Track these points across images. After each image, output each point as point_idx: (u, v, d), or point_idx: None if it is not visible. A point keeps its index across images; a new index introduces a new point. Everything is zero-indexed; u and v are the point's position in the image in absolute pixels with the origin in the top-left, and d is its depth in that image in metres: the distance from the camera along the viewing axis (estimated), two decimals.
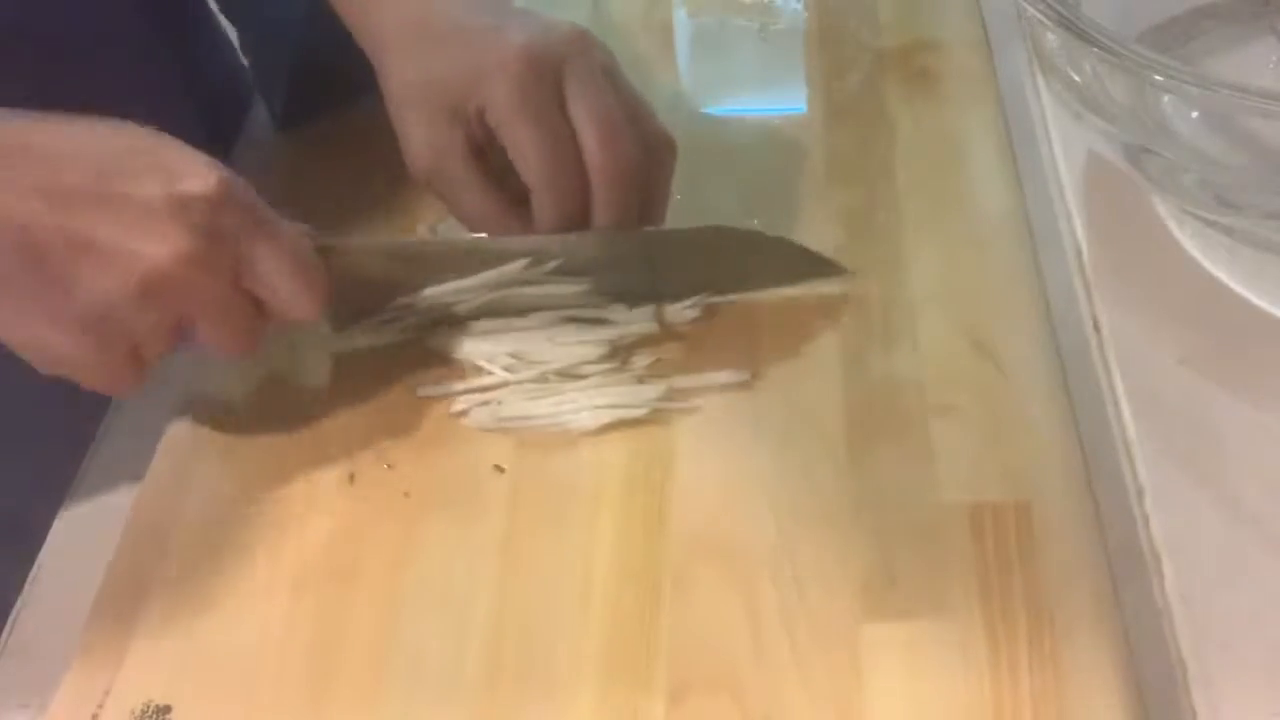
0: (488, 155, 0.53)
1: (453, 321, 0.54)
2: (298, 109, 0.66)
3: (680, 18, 0.72)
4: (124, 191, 0.44)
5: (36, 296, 0.44)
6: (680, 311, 0.54)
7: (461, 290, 0.53)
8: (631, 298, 0.54)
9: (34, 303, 0.44)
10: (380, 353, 0.55)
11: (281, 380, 0.55)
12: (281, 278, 0.48)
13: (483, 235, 0.53)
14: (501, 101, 0.51)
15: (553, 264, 0.53)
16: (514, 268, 0.52)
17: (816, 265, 0.55)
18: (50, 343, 0.45)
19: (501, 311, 0.54)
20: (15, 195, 0.44)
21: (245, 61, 0.71)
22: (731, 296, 0.55)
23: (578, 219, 0.52)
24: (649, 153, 0.53)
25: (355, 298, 0.53)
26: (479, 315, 0.54)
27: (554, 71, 0.51)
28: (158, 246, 0.44)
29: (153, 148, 0.46)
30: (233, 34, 0.71)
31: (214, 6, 0.70)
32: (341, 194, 0.51)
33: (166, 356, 0.48)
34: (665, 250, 0.54)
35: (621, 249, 0.53)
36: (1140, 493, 0.47)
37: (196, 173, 0.46)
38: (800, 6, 0.71)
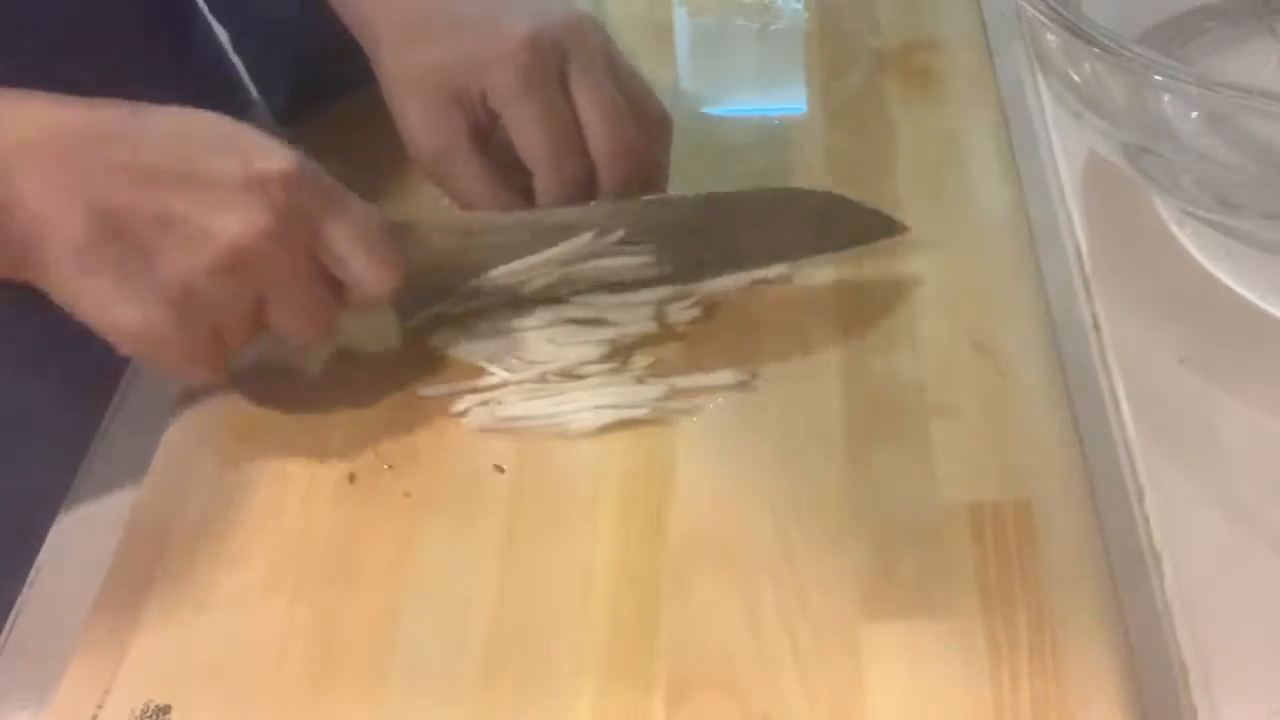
0: (488, 140, 0.54)
1: (519, 303, 0.54)
2: (300, 102, 0.66)
3: (680, 18, 0.72)
4: (203, 170, 0.45)
5: (119, 273, 0.45)
6: (681, 311, 0.54)
7: (528, 268, 0.53)
8: (696, 267, 0.55)
9: (117, 279, 0.45)
10: (379, 352, 0.55)
11: (281, 380, 0.55)
12: (357, 254, 0.48)
13: (542, 210, 0.53)
14: (505, 86, 0.52)
15: (618, 234, 0.53)
16: (581, 241, 0.52)
17: (879, 225, 0.55)
18: (132, 319, 0.45)
19: (567, 288, 0.54)
20: (99, 173, 0.44)
21: (236, 61, 0.71)
22: (730, 282, 0.55)
23: (580, 201, 0.53)
24: (648, 131, 0.54)
25: (424, 280, 0.52)
26: (546, 294, 0.54)
27: (556, 56, 0.52)
28: (237, 222, 0.45)
29: (230, 131, 0.47)
30: (224, 35, 0.71)
31: (204, 9, 0.71)
32: (353, 181, 0.51)
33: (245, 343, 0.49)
34: (732, 213, 0.54)
35: (687, 214, 0.53)
36: (1140, 493, 0.47)
37: (273, 153, 0.46)
38: (800, 6, 0.71)
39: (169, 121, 0.47)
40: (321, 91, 0.66)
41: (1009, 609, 0.43)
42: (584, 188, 0.53)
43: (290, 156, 0.47)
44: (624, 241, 0.53)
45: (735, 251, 0.55)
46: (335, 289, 0.49)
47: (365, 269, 0.49)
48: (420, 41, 0.54)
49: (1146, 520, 0.46)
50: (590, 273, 0.54)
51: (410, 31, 0.54)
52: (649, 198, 0.53)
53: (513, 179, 0.54)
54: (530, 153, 0.53)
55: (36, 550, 0.52)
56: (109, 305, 0.45)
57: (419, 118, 0.54)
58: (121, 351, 0.47)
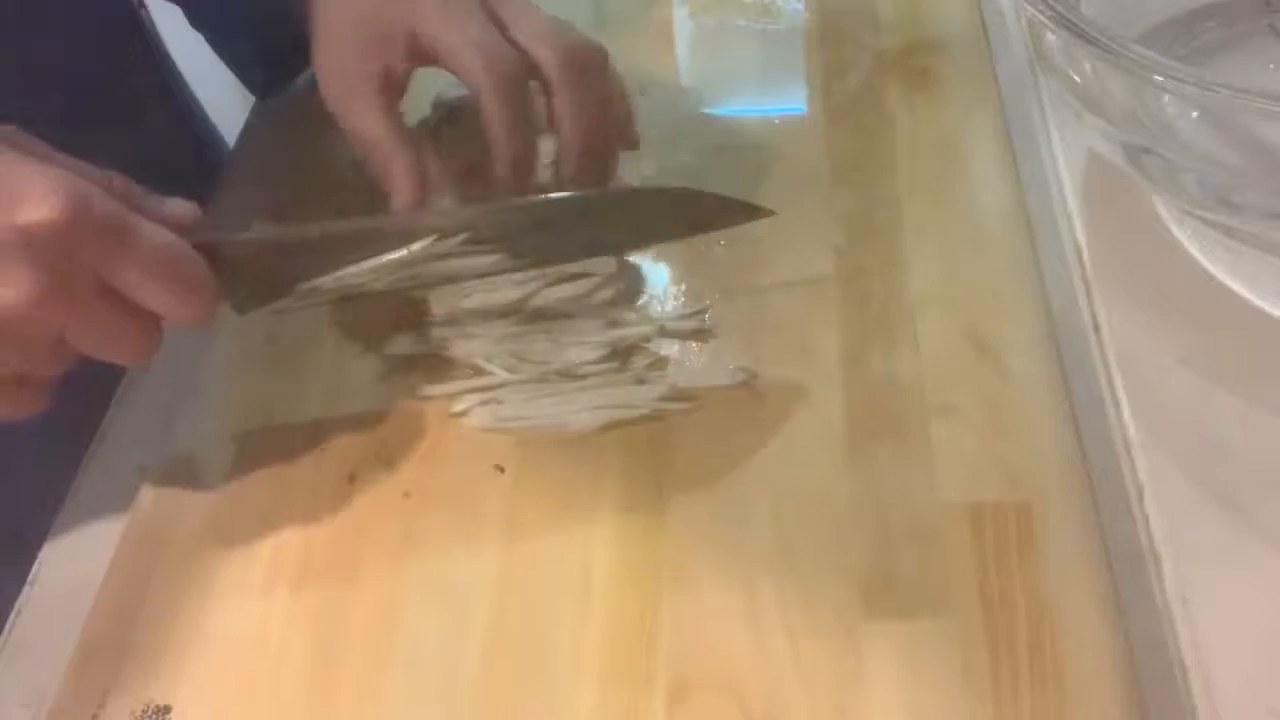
0: (400, 90, 0.54)
1: (369, 297, 0.53)
2: (273, 72, 0.66)
3: (680, 18, 0.72)
4: None
5: None
6: (679, 322, 0.54)
7: (365, 272, 0.51)
8: (544, 261, 0.54)
9: None
10: (379, 352, 0.55)
11: (285, 374, 0.55)
12: (153, 287, 0.44)
13: (383, 216, 0.53)
14: (432, 14, 0.52)
15: (460, 237, 0.51)
16: (423, 244, 0.51)
17: (737, 211, 0.54)
18: None
19: (420, 286, 0.54)
20: None
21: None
22: (732, 277, 0.55)
23: (533, 127, 0.53)
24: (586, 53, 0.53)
25: (258, 284, 0.51)
26: (396, 290, 0.53)
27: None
28: (4, 289, 0.41)
29: None
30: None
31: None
32: (335, 144, 0.52)
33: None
34: (570, 215, 0.53)
35: (525, 218, 0.53)
36: (1140, 493, 0.47)
37: (35, 197, 0.41)
38: (800, 6, 0.71)
39: None
40: (294, 59, 0.65)
41: (1009, 609, 0.43)
42: (535, 113, 0.52)
43: (56, 196, 0.41)
44: (467, 243, 0.52)
45: (583, 242, 0.54)
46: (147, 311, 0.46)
47: (170, 297, 0.45)
48: None
49: (1146, 520, 0.46)
50: (439, 271, 0.52)
51: None
52: (490, 206, 0.53)
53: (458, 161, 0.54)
54: (470, 74, 0.52)
55: (36, 550, 0.52)
56: None
57: (332, 61, 0.54)
58: None
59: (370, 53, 0.54)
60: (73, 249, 0.42)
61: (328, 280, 0.51)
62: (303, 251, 0.51)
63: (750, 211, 0.54)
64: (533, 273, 0.55)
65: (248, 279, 0.50)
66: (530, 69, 0.53)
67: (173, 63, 0.73)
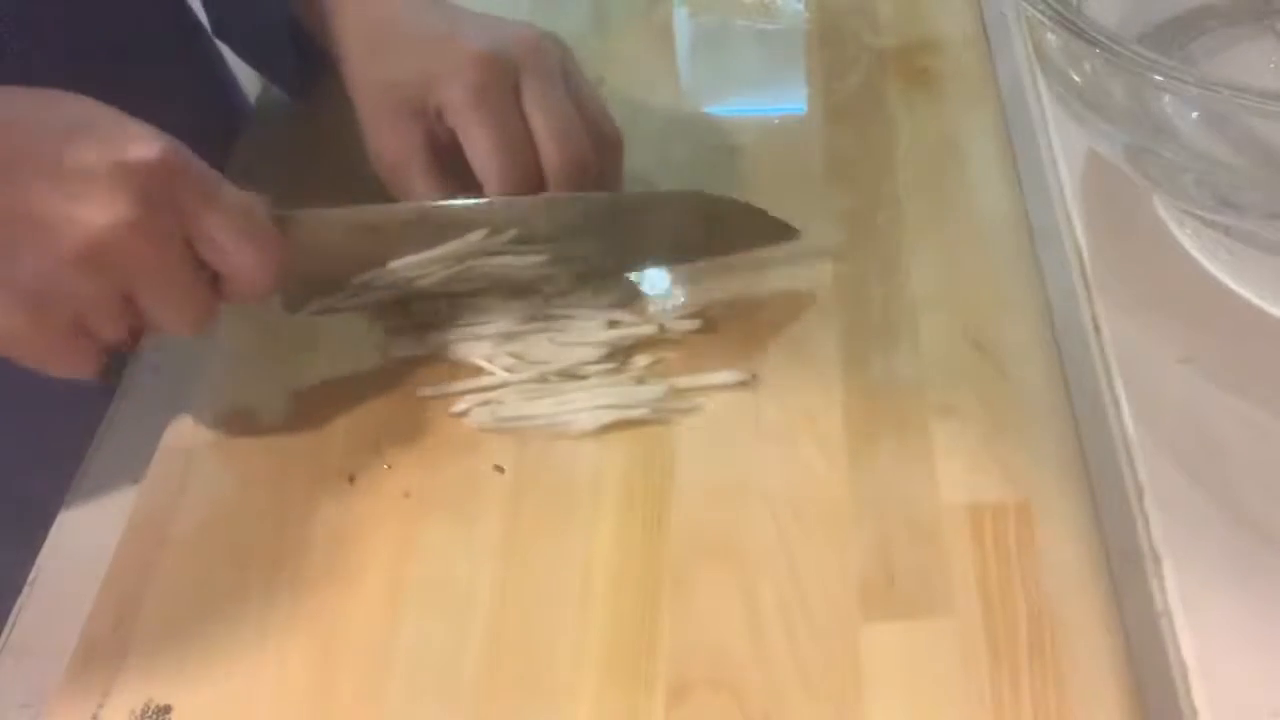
0: (447, 154, 0.54)
1: (413, 296, 0.54)
2: (306, 72, 0.66)
3: (680, 18, 0.72)
4: (63, 159, 0.43)
5: None
6: (679, 322, 0.54)
7: (420, 264, 0.52)
8: (590, 266, 0.55)
9: None
10: (379, 353, 0.55)
11: (285, 375, 0.55)
12: (233, 246, 0.46)
13: (439, 202, 0.53)
14: (458, 103, 0.52)
15: (510, 233, 0.52)
16: (472, 239, 0.52)
17: (773, 229, 0.55)
18: None
19: (463, 285, 0.54)
20: None
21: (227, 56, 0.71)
22: (730, 279, 0.56)
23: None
24: (600, 150, 0.54)
25: (312, 274, 0.52)
26: (438, 291, 0.54)
27: (510, 74, 0.53)
28: (98, 213, 0.43)
29: (93, 116, 0.45)
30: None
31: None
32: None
33: (122, 339, 0.47)
34: (623, 215, 0.54)
35: (577, 215, 0.53)
36: (1140, 493, 0.47)
37: (139, 139, 0.44)
38: (800, 6, 0.71)
39: (28, 107, 0.45)
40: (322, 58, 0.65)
41: (1009, 609, 0.43)
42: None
43: (158, 143, 0.44)
44: (517, 241, 0.53)
45: (627, 252, 0.55)
46: (213, 281, 0.48)
47: (243, 261, 0.47)
48: (381, 56, 0.55)
49: (1146, 520, 0.46)
50: (483, 270, 0.53)
51: (372, 46, 0.55)
52: (541, 197, 0.53)
53: (471, 192, 0.54)
54: (481, 166, 0.53)
55: (36, 550, 0.52)
56: None
57: (380, 130, 0.55)
58: None
59: (411, 123, 0.54)
60: (167, 191, 0.44)
61: (379, 274, 0.52)
62: (362, 236, 0.52)
63: (783, 231, 0.55)
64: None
65: (304, 265, 0.51)
66: (538, 165, 0.53)
67: (206, 32, 0.73)
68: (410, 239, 0.52)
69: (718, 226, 0.55)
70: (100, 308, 0.45)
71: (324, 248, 0.52)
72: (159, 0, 0.70)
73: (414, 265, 0.52)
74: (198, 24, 0.73)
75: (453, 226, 0.52)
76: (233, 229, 0.46)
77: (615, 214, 0.54)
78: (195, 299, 0.47)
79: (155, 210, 0.44)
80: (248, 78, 0.74)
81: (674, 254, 0.56)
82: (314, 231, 0.51)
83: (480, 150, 0.53)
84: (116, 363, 0.52)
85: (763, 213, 0.55)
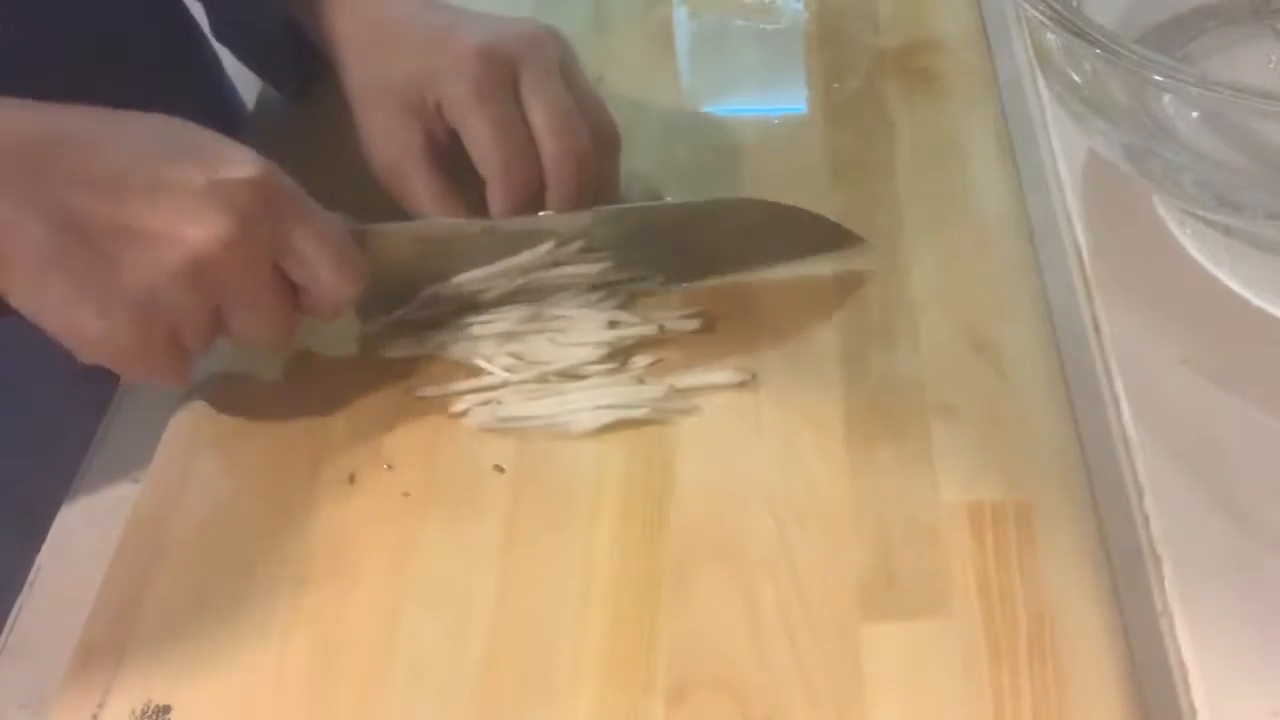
0: (445, 152, 0.55)
1: (479, 308, 0.55)
2: (305, 76, 0.66)
3: (680, 18, 0.72)
4: (166, 177, 0.45)
5: (80, 281, 0.45)
6: (680, 321, 0.54)
7: (488, 276, 0.54)
8: (655, 272, 0.55)
9: (77, 287, 0.45)
10: (379, 353, 0.55)
11: (285, 375, 0.55)
12: (321, 263, 0.48)
13: (503, 219, 0.54)
14: (458, 97, 0.53)
15: (578, 244, 0.53)
16: (540, 251, 0.53)
17: (836, 236, 0.56)
18: (92, 329, 0.45)
19: (527, 295, 0.54)
20: (60, 181, 0.44)
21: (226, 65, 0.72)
22: (735, 278, 0.56)
23: (529, 209, 0.54)
24: (598, 146, 0.54)
25: (384, 286, 0.53)
26: (506, 301, 0.54)
27: (509, 68, 0.53)
28: (200, 230, 0.45)
29: (194, 137, 0.47)
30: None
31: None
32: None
33: (206, 349, 0.49)
34: (685, 223, 0.55)
35: (641, 224, 0.54)
36: (1140, 493, 0.47)
37: (237, 159, 0.46)
38: (800, 6, 0.71)
39: (132, 127, 0.47)
40: (321, 61, 0.65)
41: (1009, 609, 0.43)
42: (534, 195, 0.54)
43: (255, 163, 0.46)
44: (583, 250, 0.54)
45: (692, 259, 0.56)
46: (296, 295, 0.49)
47: (329, 277, 0.49)
48: (380, 56, 0.56)
49: (1146, 520, 0.46)
50: (549, 280, 0.54)
51: (370, 46, 0.56)
52: (606, 207, 0.54)
53: (474, 188, 0.54)
54: (482, 160, 0.53)
55: (36, 550, 0.52)
56: (69, 313, 0.45)
57: (377, 130, 0.55)
58: (81, 358, 0.46)
59: (409, 122, 0.55)
60: (262, 210, 0.46)
61: (448, 286, 0.54)
62: (432, 248, 0.53)
63: (846, 238, 0.56)
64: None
65: (379, 279, 0.52)
66: (537, 157, 0.54)
67: (204, 35, 0.73)
68: (479, 252, 0.53)
69: (780, 233, 0.55)
70: (196, 319, 0.47)
71: (397, 261, 0.53)
72: (157, 2, 0.70)
73: (481, 278, 0.54)
74: (195, 26, 0.73)
75: (520, 238, 0.53)
76: (319, 246, 0.48)
77: (677, 221, 0.55)
78: (281, 312, 0.49)
79: (251, 228, 0.46)
80: (245, 81, 0.74)
81: (737, 262, 0.56)
82: (388, 246, 0.52)
83: (481, 143, 0.53)
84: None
85: (828, 220, 0.55)
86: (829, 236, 0.56)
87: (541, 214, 0.54)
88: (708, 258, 0.56)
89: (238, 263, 0.46)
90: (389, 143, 0.55)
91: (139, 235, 0.45)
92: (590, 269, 0.54)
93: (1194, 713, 0.41)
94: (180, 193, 0.45)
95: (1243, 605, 0.43)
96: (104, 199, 0.44)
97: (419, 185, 0.54)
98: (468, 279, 0.54)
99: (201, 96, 0.74)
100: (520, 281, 0.54)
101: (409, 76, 0.54)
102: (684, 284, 0.56)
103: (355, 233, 0.50)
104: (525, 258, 0.53)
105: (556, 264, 0.54)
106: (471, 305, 0.55)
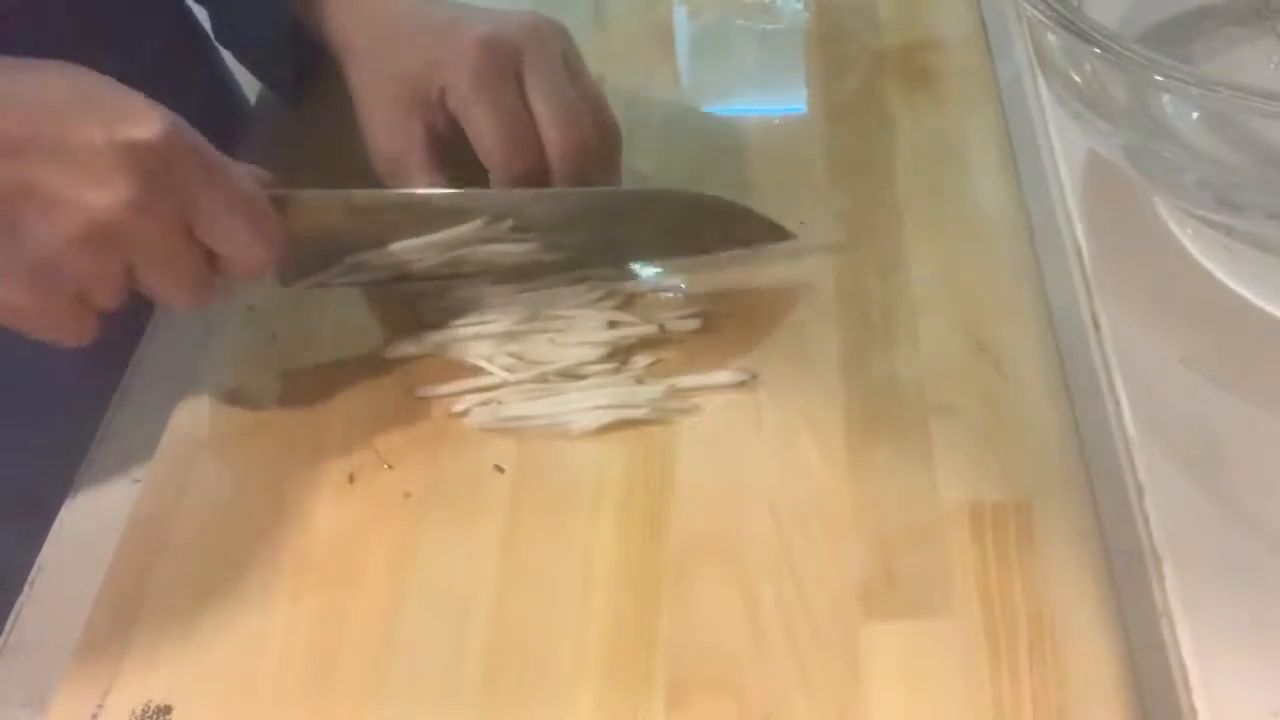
0: (446, 146, 0.55)
1: (403, 280, 0.54)
2: (303, 80, 0.66)
3: (680, 18, 0.72)
4: (67, 137, 0.43)
5: None
6: (680, 321, 0.54)
7: (414, 249, 0.53)
8: (585, 257, 0.55)
9: None
10: (380, 353, 0.55)
11: (284, 375, 0.55)
12: (232, 225, 0.47)
13: (438, 189, 0.54)
14: (461, 87, 0.53)
15: (508, 223, 0.53)
16: (470, 227, 0.53)
17: (769, 231, 0.56)
18: None
19: (456, 270, 0.54)
20: None
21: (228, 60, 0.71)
22: (735, 278, 0.56)
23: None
24: (600, 136, 0.55)
25: (307, 251, 0.52)
26: (433, 274, 0.54)
27: (512, 58, 0.53)
28: (102, 193, 0.43)
29: (97, 92, 0.45)
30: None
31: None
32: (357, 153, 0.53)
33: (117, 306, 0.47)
34: (619, 209, 0.55)
35: (572, 207, 0.54)
36: (1140, 493, 0.47)
37: (142, 117, 0.44)
38: (800, 6, 0.71)
39: (33, 82, 0.45)
40: (320, 65, 0.65)
41: (1009, 609, 0.43)
42: (537, 185, 0.54)
43: (161, 121, 0.44)
44: (513, 229, 0.53)
45: (619, 246, 0.56)
46: (211, 256, 0.48)
47: (240, 242, 0.47)
48: (383, 51, 0.56)
49: (1146, 520, 0.46)
50: (477, 257, 0.54)
51: (374, 42, 0.56)
52: (539, 190, 0.54)
53: (480, 182, 0.55)
54: (484, 151, 0.53)
55: (37, 549, 0.52)
56: None
57: (379, 123, 0.55)
58: None
59: (410, 115, 0.55)
60: (167, 169, 0.44)
61: (374, 255, 0.53)
62: (359, 218, 0.52)
63: (776, 232, 0.56)
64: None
65: (300, 243, 0.51)
66: (540, 148, 0.54)
67: (206, 33, 0.73)
68: (408, 224, 0.53)
69: (710, 225, 0.55)
70: (102, 282, 0.45)
71: (322, 228, 0.52)
72: (160, 0, 0.70)
73: (409, 249, 0.53)
74: (197, 24, 0.73)
75: (450, 213, 0.53)
76: (231, 209, 0.47)
77: (610, 208, 0.55)
78: (194, 275, 0.47)
79: (157, 190, 0.44)
80: (247, 78, 0.74)
81: (666, 250, 0.56)
82: (312, 212, 0.51)
83: (484, 133, 0.53)
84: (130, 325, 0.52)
85: (754, 213, 0.55)
86: (762, 231, 0.56)
87: (479, 190, 0.54)
88: (637, 245, 0.56)
89: (143, 226, 0.44)
90: (390, 135, 0.55)
91: (38, 198, 0.43)
92: (518, 248, 0.54)
93: (1194, 713, 0.41)
94: (80, 154, 0.43)
95: (1243, 605, 0.43)
96: (2, 162, 0.43)
97: (418, 177, 0.55)
98: (395, 249, 0.53)
99: (205, 92, 0.74)
100: (449, 255, 0.53)
101: (411, 70, 0.54)
102: (614, 266, 0.56)
103: (275, 196, 0.49)
104: (454, 232, 0.53)
105: (487, 241, 0.53)
106: (400, 276, 0.54)
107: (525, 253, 0.54)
